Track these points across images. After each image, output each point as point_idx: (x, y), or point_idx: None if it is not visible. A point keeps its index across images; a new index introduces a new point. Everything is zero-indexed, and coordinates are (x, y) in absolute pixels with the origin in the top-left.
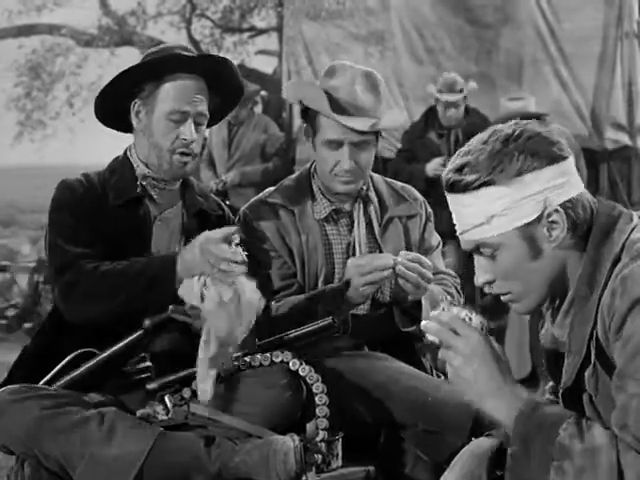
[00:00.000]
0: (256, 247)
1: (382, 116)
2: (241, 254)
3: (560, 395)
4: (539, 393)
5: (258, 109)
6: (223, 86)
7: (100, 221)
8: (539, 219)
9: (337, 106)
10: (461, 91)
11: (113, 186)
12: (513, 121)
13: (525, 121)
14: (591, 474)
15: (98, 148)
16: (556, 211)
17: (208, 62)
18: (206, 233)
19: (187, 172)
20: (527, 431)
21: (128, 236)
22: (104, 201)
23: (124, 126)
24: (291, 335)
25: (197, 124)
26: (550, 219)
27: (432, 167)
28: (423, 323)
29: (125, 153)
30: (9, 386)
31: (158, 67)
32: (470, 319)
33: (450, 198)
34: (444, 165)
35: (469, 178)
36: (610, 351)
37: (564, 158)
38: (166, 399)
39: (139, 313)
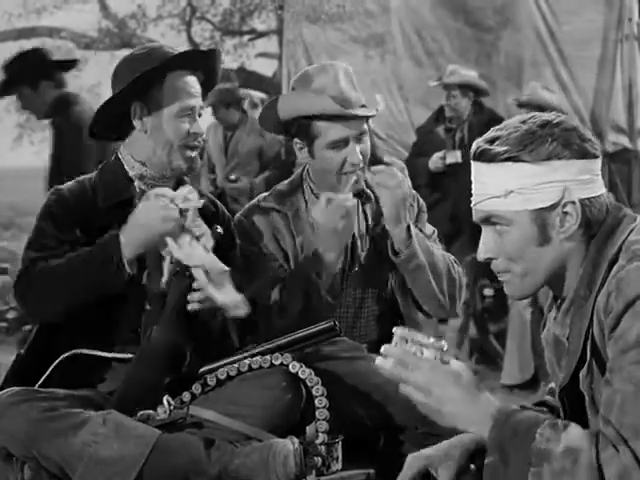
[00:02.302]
0: (252, 252)
1: (363, 104)
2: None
3: (557, 395)
4: (539, 395)
5: (258, 112)
6: (208, 80)
7: (87, 224)
8: (554, 207)
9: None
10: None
11: (103, 188)
12: (554, 112)
13: (563, 114)
14: (570, 476)
15: None
16: (573, 203)
17: (205, 57)
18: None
19: (195, 167)
20: (502, 439)
21: None
22: (94, 203)
23: (114, 133)
24: (291, 337)
25: (199, 116)
26: (565, 209)
27: (432, 161)
28: (377, 361)
29: (116, 156)
30: (9, 388)
31: (161, 68)
32: (422, 351)
33: (475, 167)
34: (443, 158)
35: (499, 149)
36: (604, 351)
37: (594, 156)
38: (165, 401)
39: (96, 300)
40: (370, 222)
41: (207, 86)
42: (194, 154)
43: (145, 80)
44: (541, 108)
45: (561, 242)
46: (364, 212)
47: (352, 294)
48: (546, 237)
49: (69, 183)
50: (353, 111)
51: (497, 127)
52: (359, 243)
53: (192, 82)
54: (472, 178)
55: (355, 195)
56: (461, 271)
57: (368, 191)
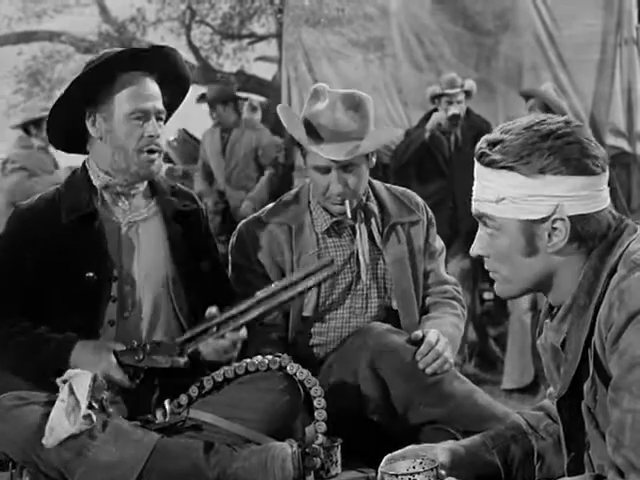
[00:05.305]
0: (245, 266)
1: (360, 136)
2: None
3: (556, 403)
4: (539, 399)
5: (257, 115)
6: (172, 79)
7: (47, 243)
8: (544, 220)
9: (317, 134)
10: (461, 86)
11: (66, 202)
12: (564, 119)
13: (575, 123)
14: None
15: None
16: (562, 220)
17: (157, 55)
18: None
19: (154, 171)
20: None
21: (83, 251)
22: (57, 219)
23: (75, 145)
24: (291, 279)
25: (158, 119)
26: (554, 225)
27: (435, 117)
28: None
29: (83, 165)
30: (9, 392)
31: (109, 68)
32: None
33: (476, 166)
34: (446, 111)
35: (495, 157)
36: (606, 363)
37: (595, 173)
38: (165, 404)
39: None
40: (376, 233)
41: (170, 88)
42: (153, 157)
43: (91, 83)
44: (546, 107)
45: (549, 255)
46: (368, 224)
47: (354, 304)
48: (533, 249)
49: (32, 198)
50: (325, 149)
51: (504, 127)
52: (363, 255)
53: (145, 84)
54: (474, 175)
55: (356, 209)
56: (465, 309)
57: (371, 204)
